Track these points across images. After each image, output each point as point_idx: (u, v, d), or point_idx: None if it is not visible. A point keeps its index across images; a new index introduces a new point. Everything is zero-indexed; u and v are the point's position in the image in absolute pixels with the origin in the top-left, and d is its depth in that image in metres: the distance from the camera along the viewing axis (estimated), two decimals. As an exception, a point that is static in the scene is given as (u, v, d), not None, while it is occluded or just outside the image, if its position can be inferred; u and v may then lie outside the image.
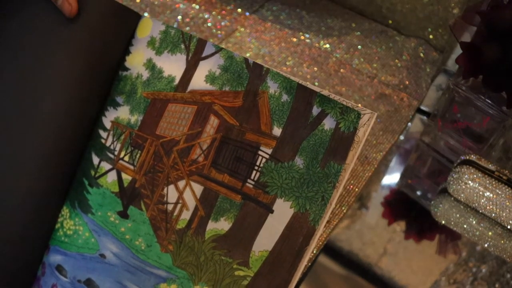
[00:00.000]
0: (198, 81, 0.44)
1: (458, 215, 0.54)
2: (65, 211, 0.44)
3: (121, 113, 0.44)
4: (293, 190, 0.41)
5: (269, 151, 0.42)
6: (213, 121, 0.43)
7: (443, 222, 0.55)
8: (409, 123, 0.64)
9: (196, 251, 0.42)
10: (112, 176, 0.44)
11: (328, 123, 0.42)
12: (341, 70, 0.66)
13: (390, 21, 0.72)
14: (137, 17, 0.46)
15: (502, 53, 0.50)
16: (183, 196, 0.43)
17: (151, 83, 0.44)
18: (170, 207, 0.43)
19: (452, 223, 0.54)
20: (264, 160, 0.42)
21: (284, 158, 0.42)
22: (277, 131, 0.42)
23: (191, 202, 0.43)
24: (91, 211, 0.44)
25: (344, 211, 0.52)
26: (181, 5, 0.70)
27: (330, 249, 0.53)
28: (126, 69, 0.45)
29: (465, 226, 0.54)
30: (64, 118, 0.43)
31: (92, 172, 0.44)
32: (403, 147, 0.64)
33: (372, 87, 0.65)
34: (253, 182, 0.42)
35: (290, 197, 0.41)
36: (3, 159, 0.42)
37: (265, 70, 0.43)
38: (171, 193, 0.43)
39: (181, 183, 0.43)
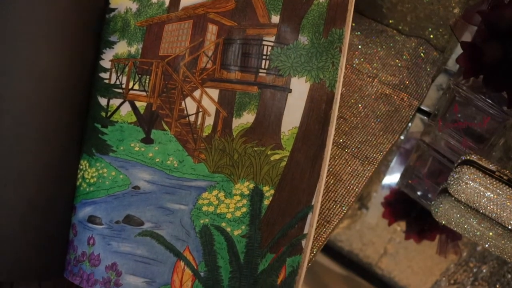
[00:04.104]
0: None
1: (458, 215, 0.54)
2: (83, 163, 0.44)
3: (119, 49, 0.44)
4: (303, 65, 0.43)
5: (272, 38, 0.44)
6: (212, 28, 0.45)
7: (444, 222, 0.54)
8: (410, 123, 0.64)
9: (228, 151, 0.43)
10: (125, 108, 0.44)
11: None
12: (341, 70, 0.66)
13: (391, 21, 0.72)
14: None
15: (503, 53, 0.49)
16: (202, 104, 0.44)
17: (142, 12, 0.45)
18: (192, 118, 0.44)
19: (453, 223, 0.54)
20: (270, 48, 0.44)
21: (288, 40, 0.44)
22: (275, 19, 0.44)
23: (211, 108, 0.44)
24: (111, 150, 0.43)
25: (344, 211, 0.52)
26: (181, 5, 0.70)
27: (330, 249, 0.53)
28: (113, 9, 0.46)
29: (465, 226, 0.54)
30: (61, 69, 0.41)
31: (103, 114, 0.44)
32: (404, 147, 0.64)
33: (373, 87, 0.65)
34: (265, 71, 0.44)
35: (303, 73, 0.43)
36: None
37: None
38: (190, 105, 0.44)
39: (197, 93, 0.44)
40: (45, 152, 0.41)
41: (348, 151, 0.57)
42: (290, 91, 0.43)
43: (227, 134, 0.43)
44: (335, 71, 0.43)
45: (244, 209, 0.42)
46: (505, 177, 0.52)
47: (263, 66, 0.44)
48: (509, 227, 0.52)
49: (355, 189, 0.54)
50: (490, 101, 0.54)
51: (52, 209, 0.42)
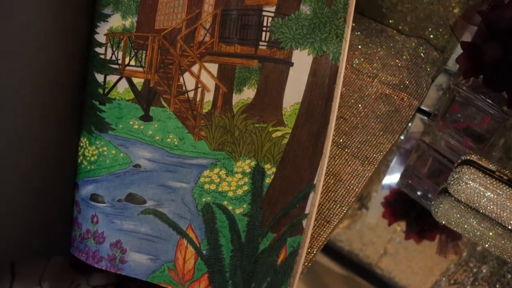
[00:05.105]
0: None
1: (458, 215, 0.54)
2: (83, 141, 0.43)
3: (113, 23, 0.43)
4: (306, 37, 0.41)
5: (273, 8, 0.42)
6: None
7: (444, 222, 0.54)
8: (410, 123, 0.64)
9: (229, 128, 0.42)
10: (122, 85, 0.42)
11: None
12: (341, 70, 0.66)
13: (391, 21, 0.72)
14: None
15: (503, 53, 0.49)
16: (201, 79, 0.42)
17: None
18: (191, 94, 0.42)
19: (453, 223, 0.54)
20: (270, 19, 0.42)
21: (290, 10, 0.42)
22: None
23: (210, 83, 0.42)
24: (110, 128, 0.42)
25: (344, 211, 0.52)
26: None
27: (330, 249, 0.53)
28: None
29: (465, 226, 0.54)
30: (55, 44, 0.40)
31: (101, 91, 0.43)
32: (404, 147, 0.64)
33: (373, 87, 0.65)
34: (265, 43, 0.42)
35: (306, 45, 0.41)
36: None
37: None
38: (188, 81, 0.42)
39: (195, 68, 0.42)
40: (42, 128, 0.40)
41: (348, 151, 0.57)
42: (292, 64, 0.42)
43: (227, 110, 0.42)
44: (339, 43, 0.41)
45: (245, 187, 0.42)
46: (505, 177, 0.52)
47: (263, 39, 0.42)
48: (509, 227, 0.52)
49: (355, 189, 0.54)
50: (490, 101, 0.54)
51: (53, 187, 0.42)
